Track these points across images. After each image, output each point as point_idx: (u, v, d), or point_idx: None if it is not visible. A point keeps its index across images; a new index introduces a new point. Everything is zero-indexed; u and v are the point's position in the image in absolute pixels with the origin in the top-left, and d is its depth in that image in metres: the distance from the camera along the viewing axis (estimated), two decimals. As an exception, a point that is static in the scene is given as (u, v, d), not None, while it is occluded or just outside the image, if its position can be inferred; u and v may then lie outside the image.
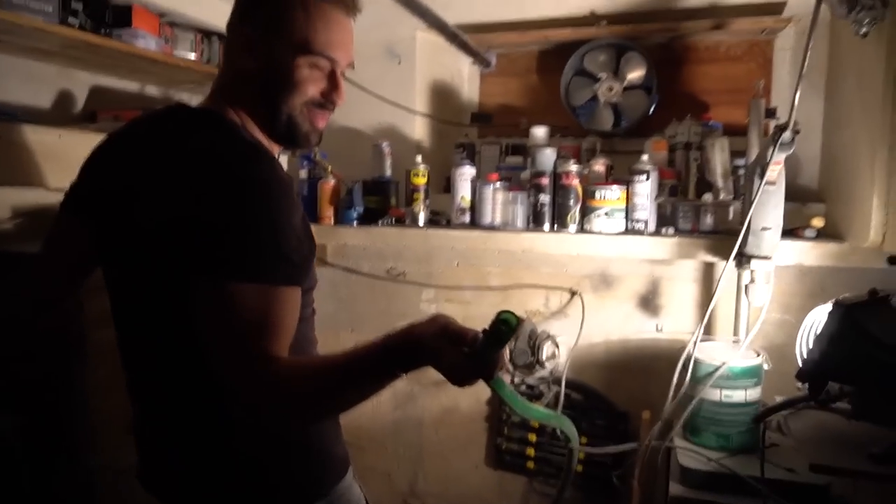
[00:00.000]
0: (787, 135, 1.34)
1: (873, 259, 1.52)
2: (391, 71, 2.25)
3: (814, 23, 1.33)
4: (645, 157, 1.80)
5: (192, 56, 2.08)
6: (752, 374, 1.50)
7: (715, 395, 1.50)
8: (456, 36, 1.93)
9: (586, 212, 1.84)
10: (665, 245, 1.76)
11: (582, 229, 1.86)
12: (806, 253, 1.64)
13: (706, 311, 1.59)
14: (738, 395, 1.49)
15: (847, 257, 1.61)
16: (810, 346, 1.35)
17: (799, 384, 1.27)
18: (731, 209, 1.73)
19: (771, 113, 1.75)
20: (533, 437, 2.03)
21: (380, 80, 2.13)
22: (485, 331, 0.81)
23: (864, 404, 1.26)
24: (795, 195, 1.77)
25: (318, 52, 0.96)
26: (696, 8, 1.95)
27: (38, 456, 1.47)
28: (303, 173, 2.18)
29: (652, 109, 2.05)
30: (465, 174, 2.01)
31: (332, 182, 2.14)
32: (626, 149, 2.10)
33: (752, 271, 1.53)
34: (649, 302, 1.92)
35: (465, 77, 2.39)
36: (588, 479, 1.96)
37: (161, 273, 0.90)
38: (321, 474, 1.05)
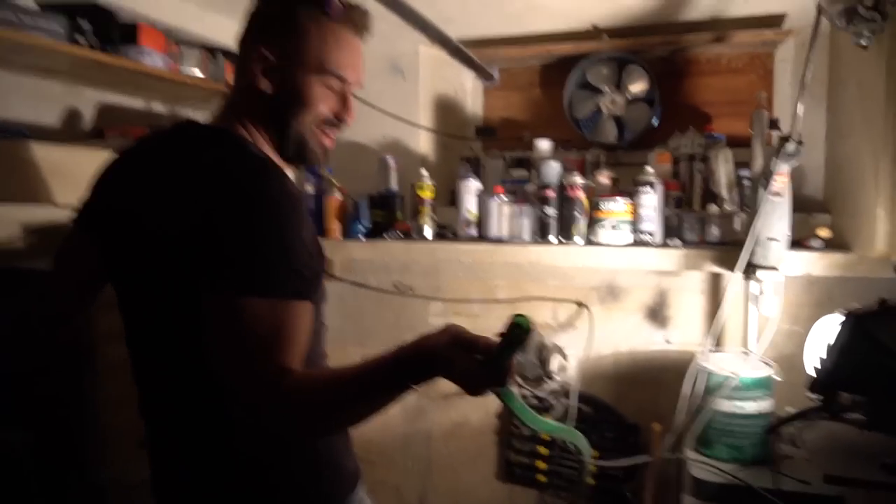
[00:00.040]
0: (790, 146, 1.35)
1: (880, 269, 1.53)
2: (395, 85, 2.26)
3: (814, 35, 1.35)
4: (650, 169, 1.81)
5: (198, 73, 2.09)
6: (764, 385, 1.50)
7: (726, 406, 1.50)
8: (459, 50, 1.95)
9: (592, 224, 1.85)
10: (672, 256, 1.76)
11: (588, 241, 1.87)
12: (813, 263, 1.65)
13: (714, 321, 1.59)
14: (749, 407, 1.49)
15: (854, 267, 1.61)
16: (818, 356, 1.35)
17: (811, 395, 1.27)
18: (737, 220, 1.74)
19: (773, 124, 1.77)
20: (544, 451, 2.02)
21: (384, 95, 2.15)
22: (503, 333, 0.80)
23: (876, 414, 1.26)
24: (800, 205, 1.78)
25: (331, 73, 0.98)
26: (697, 21, 1.97)
27: (50, 470, 1.46)
28: (309, 188, 2.19)
29: (655, 122, 2.06)
30: (471, 188, 2.02)
31: (338, 197, 2.15)
32: (629, 161, 2.11)
33: (760, 282, 1.54)
34: (657, 313, 1.92)
35: (469, 91, 2.41)
36: (600, 493, 1.94)
37: (171, 289, 0.90)
38: (331, 488, 1.05)
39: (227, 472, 0.96)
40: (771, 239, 1.48)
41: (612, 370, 1.99)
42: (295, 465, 0.99)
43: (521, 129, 2.29)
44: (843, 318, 1.21)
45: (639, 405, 1.94)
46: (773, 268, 1.50)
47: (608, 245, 1.83)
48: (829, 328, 1.34)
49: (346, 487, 1.07)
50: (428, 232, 2.06)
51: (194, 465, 0.98)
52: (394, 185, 2.17)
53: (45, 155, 1.53)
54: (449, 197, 2.27)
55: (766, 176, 1.44)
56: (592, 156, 2.09)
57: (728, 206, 1.78)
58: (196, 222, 0.87)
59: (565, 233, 1.88)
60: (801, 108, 1.38)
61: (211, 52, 2.15)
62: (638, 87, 2.05)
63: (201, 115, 2.29)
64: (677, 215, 1.83)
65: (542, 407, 2.00)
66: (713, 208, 1.75)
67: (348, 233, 2.14)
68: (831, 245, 1.70)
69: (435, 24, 1.67)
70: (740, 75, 2.06)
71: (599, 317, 1.98)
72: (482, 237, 2.02)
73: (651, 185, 1.77)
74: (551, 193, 1.88)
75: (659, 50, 2.10)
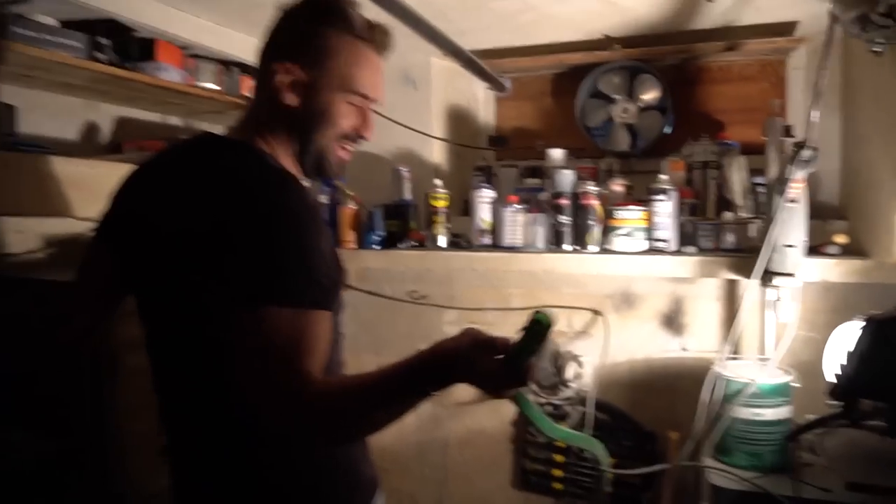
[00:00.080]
0: (806, 153, 1.35)
1: (898, 274, 1.53)
2: (408, 96, 2.28)
3: (828, 43, 1.35)
4: (664, 177, 1.82)
5: (214, 86, 2.12)
6: (782, 391, 1.49)
7: (745, 413, 1.49)
8: (472, 62, 1.97)
9: (607, 232, 1.86)
10: (687, 263, 1.77)
11: (603, 249, 1.87)
12: (830, 269, 1.64)
13: (730, 328, 1.58)
14: (768, 414, 1.48)
15: (871, 273, 1.61)
16: (838, 362, 1.34)
17: (831, 401, 1.27)
18: (753, 227, 1.74)
19: (787, 131, 1.77)
20: (559, 458, 2.01)
21: (397, 106, 2.17)
22: (525, 328, 0.80)
23: (898, 421, 1.25)
24: (816, 212, 1.78)
25: (355, 91, 1.01)
26: (709, 30, 1.98)
27: (71, 479, 1.47)
28: (323, 199, 2.21)
29: (667, 129, 2.07)
30: (485, 197, 2.03)
31: (352, 207, 2.16)
32: (642, 169, 2.12)
33: (778, 288, 1.54)
34: (672, 320, 1.92)
35: (481, 101, 2.43)
36: (617, 501, 1.93)
37: (191, 300, 0.91)
38: (350, 495, 1.05)
39: (245, 480, 0.97)
40: (788, 246, 1.48)
41: (627, 378, 1.99)
42: (313, 473, 0.99)
43: (534, 139, 2.30)
44: (863, 325, 1.21)
45: (655, 413, 1.94)
46: (790, 274, 1.50)
47: (623, 253, 1.83)
48: (849, 334, 1.33)
49: (365, 495, 1.08)
50: (442, 241, 2.07)
51: (214, 473, 0.99)
52: (407, 194, 2.18)
53: (65, 169, 1.55)
54: (462, 206, 2.29)
55: (782, 183, 1.45)
56: (605, 164, 2.09)
57: (743, 213, 1.78)
58: (215, 233, 0.88)
59: (580, 241, 1.89)
60: (816, 115, 1.38)
61: (226, 65, 2.18)
62: (650, 95, 2.06)
63: (217, 128, 2.32)
64: (692, 222, 1.83)
65: (558, 415, 1.99)
66: (728, 215, 1.76)
67: (363, 242, 2.15)
68: (848, 251, 1.69)
69: (448, 37, 1.69)
70: (752, 83, 2.07)
71: (614, 324, 1.98)
72: (496, 246, 2.03)
73: (665, 192, 1.78)
74: (565, 202, 1.89)
75: (671, 58, 2.11)
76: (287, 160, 1.02)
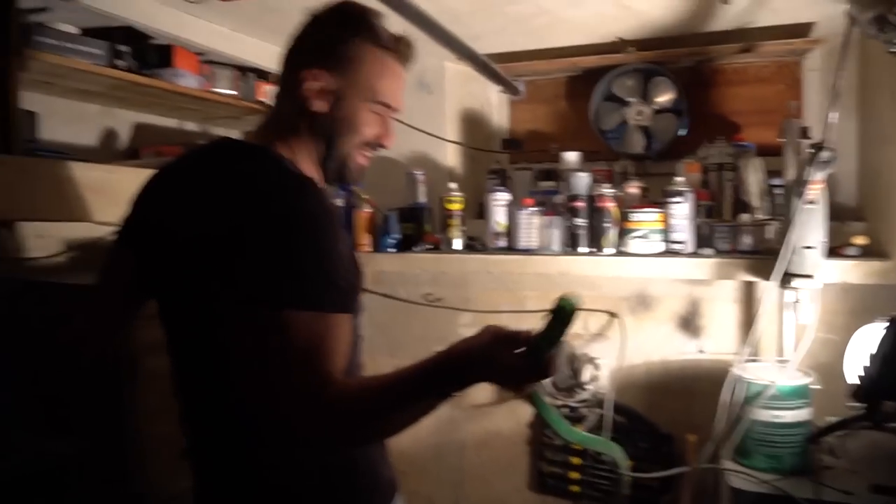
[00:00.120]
0: (825, 154, 1.35)
1: (918, 276, 1.52)
2: (422, 101, 2.29)
3: (846, 44, 1.35)
4: (680, 179, 1.82)
5: (230, 92, 2.14)
6: (802, 393, 1.49)
7: (764, 415, 1.49)
8: (486, 66, 1.97)
9: (623, 234, 1.86)
10: (704, 265, 1.76)
11: (619, 251, 1.87)
12: (849, 271, 1.64)
13: (748, 330, 1.58)
14: (788, 416, 1.48)
15: (890, 275, 1.60)
16: (861, 364, 1.34)
17: (853, 403, 1.26)
18: (770, 228, 1.73)
19: (804, 132, 1.76)
20: (576, 461, 2.01)
21: (411, 110, 2.15)
22: (550, 310, 0.79)
23: (921, 423, 1.24)
24: (834, 213, 1.77)
25: (380, 101, 1.03)
26: (724, 32, 1.97)
27: (92, 481, 1.48)
28: (339, 202, 2.22)
29: (682, 132, 2.07)
30: (500, 200, 2.04)
31: (367, 210, 2.17)
32: (657, 171, 2.11)
33: (797, 290, 1.53)
34: (689, 323, 1.92)
35: (494, 104, 2.43)
36: (634, 504, 1.93)
37: (211, 303, 0.92)
38: (369, 497, 1.05)
39: (265, 483, 0.97)
40: (807, 247, 1.48)
41: (644, 380, 1.98)
42: (333, 475, 1.00)
43: (548, 142, 2.30)
44: (886, 326, 1.21)
45: (672, 415, 1.93)
46: (810, 276, 1.49)
47: (639, 255, 1.83)
48: (871, 336, 1.33)
49: (384, 497, 1.08)
50: (457, 244, 2.08)
51: (234, 476, 1.00)
52: (422, 198, 2.19)
53: (85, 174, 1.56)
54: (477, 209, 2.29)
55: (800, 184, 1.44)
56: (620, 167, 2.09)
57: (759, 215, 1.77)
58: (234, 237, 0.88)
59: (595, 243, 1.89)
60: (834, 116, 1.38)
61: (242, 71, 2.20)
62: (664, 97, 2.06)
63: (233, 133, 2.34)
64: (708, 224, 1.83)
65: (575, 417, 1.99)
66: (745, 217, 1.75)
67: (378, 246, 2.17)
68: (867, 253, 1.69)
69: (463, 41, 1.70)
70: (768, 84, 2.06)
71: (631, 326, 1.97)
72: (511, 248, 2.04)
73: (682, 194, 1.78)
74: (581, 204, 1.90)
75: (685, 60, 2.10)
76: (308, 165, 1.03)
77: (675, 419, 1.92)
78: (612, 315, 2.00)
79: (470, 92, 2.37)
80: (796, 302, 1.56)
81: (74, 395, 1.46)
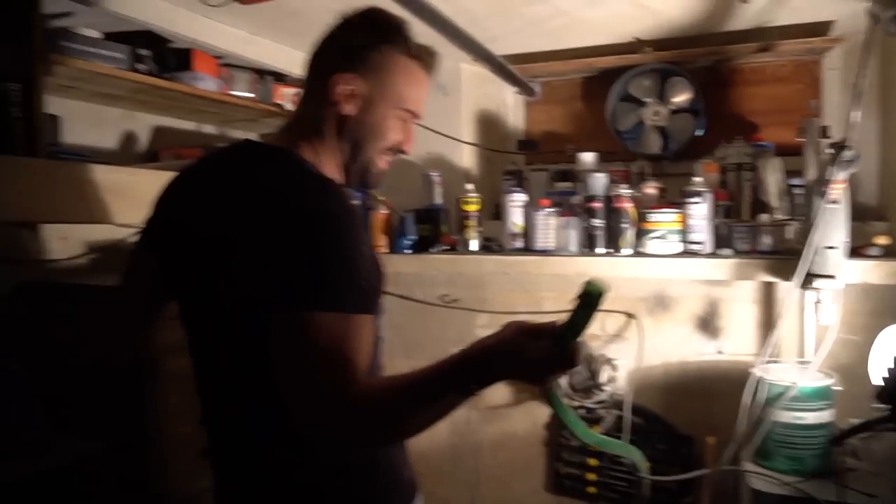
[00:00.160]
0: (849, 153, 1.34)
1: (941, 276, 1.50)
2: (438, 102, 2.30)
3: (868, 42, 1.34)
4: (698, 179, 1.81)
5: (249, 95, 2.16)
6: (824, 395, 1.48)
7: (786, 417, 1.48)
8: (503, 67, 1.98)
9: (640, 234, 1.86)
10: (723, 266, 1.75)
11: (636, 252, 1.87)
12: (870, 271, 1.62)
13: (768, 331, 1.57)
14: (810, 417, 1.47)
15: (913, 275, 1.59)
16: (885, 365, 1.33)
17: (878, 405, 1.25)
18: (790, 229, 1.72)
19: (824, 132, 1.75)
20: (594, 462, 2.01)
21: (427, 112, 2.17)
22: (577, 296, 0.78)
23: (947, 425, 1.23)
24: (855, 213, 1.76)
25: (407, 108, 1.04)
26: (743, 31, 1.96)
27: (114, 481, 1.50)
28: (356, 204, 2.23)
29: (699, 132, 2.06)
30: (517, 200, 2.04)
31: (383, 212, 2.18)
32: (674, 171, 2.11)
33: (818, 290, 1.52)
34: (708, 323, 1.91)
35: (510, 106, 2.44)
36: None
37: (234, 304, 0.92)
38: (389, 498, 1.06)
39: (286, 483, 0.98)
40: (829, 247, 1.47)
41: (662, 381, 1.97)
42: (353, 476, 1.00)
43: (564, 142, 2.31)
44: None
45: (690, 416, 1.92)
46: (832, 276, 1.48)
47: (657, 255, 1.83)
48: (895, 337, 1.32)
49: (404, 497, 1.08)
50: (474, 245, 2.08)
51: (255, 475, 1.00)
52: (438, 199, 2.20)
53: (106, 177, 1.58)
54: (493, 210, 2.29)
55: (822, 184, 1.43)
56: (637, 167, 2.09)
57: (778, 215, 1.76)
58: (257, 238, 0.89)
59: (613, 244, 1.89)
60: (856, 116, 1.36)
61: (260, 74, 2.21)
62: (681, 97, 2.05)
63: (250, 136, 2.36)
64: (727, 225, 1.82)
65: (592, 418, 1.99)
66: (765, 217, 1.74)
67: (394, 247, 2.17)
68: (889, 253, 1.67)
69: (481, 43, 1.70)
70: (786, 84, 2.05)
71: (649, 327, 1.97)
72: (528, 249, 2.04)
73: (700, 195, 1.77)
74: (598, 205, 1.89)
75: (702, 60, 2.10)
76: (331, 168, 1.04)
77: (693, 420, 1.91)
78: (630, 316, 1.99)
79: (486, 93, 2.38)
80: (818, 302, 1.55)
81: (97, 396, 1.48)
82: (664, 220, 1.82)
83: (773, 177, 1.76)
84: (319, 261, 0.85)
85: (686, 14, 1.85)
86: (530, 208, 2.03)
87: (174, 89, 1.85)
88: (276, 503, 0.99)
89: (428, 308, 2.26)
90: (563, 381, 1.96)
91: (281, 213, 0.89)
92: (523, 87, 2.23)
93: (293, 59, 2.19)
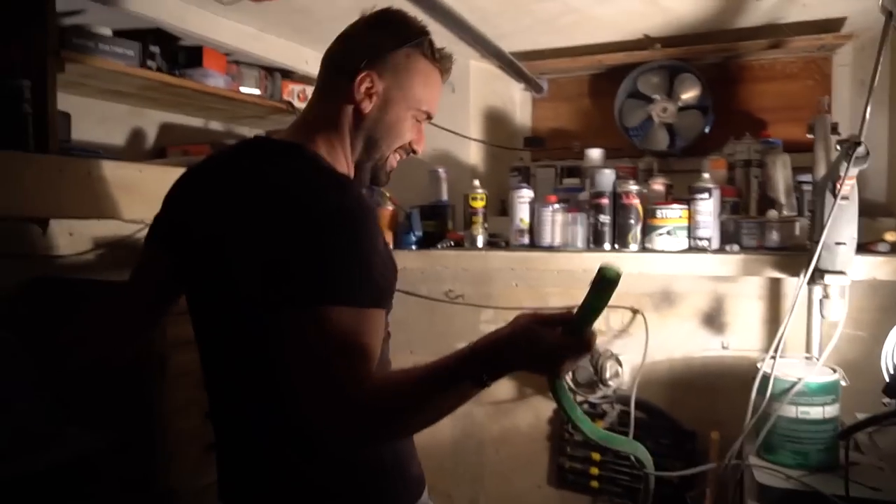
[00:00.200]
0: (861, 149, 1.34)
1: (949, 272, 1.51)
2: (446, 99, 2.28)
3: (883, 39, 1.34)
4: (707, 176, 1.82)
5: (257, 91, 2.16)
6: (830, 390, 1.48)
7: (791, 412, 1.48)
8: (512, 64, 1.98)
9: (647, 231, 1.86)
10: (730, 262, 1.76)
11: (643, 248, 1.87)
12: (879, 267, 1.62)
13: (775, 327, 1.57)
14: (815, 412, 1.47)
15: (921, 271, 1.59)
16: (893, 360, 1.33)
17: (887, 399, 1.26)
18: (798, 225, 1.73)
19: (833, 128, 1.75)
20: (597, 456, 2.02)
21: (435, 108, 2.19)
22: (592, 283, 0.78)
23: (954, 420, 1.23)
24: (863, 209, 1.76)
25: (423, 109, 1.06)
26: (753, 28, 1.96)
27: (121, 475, 1.51)
28: (363, 200, 2.24)
29: (708, 129, 2.06)
30: (524, 197, 2.05)
31: (389, 208, 2.19)
32: (682, 168, 2.11)
33: (826, 286, 1.52)
34: (713, 319, 1.91)
35: (517, 102, 2.44)
36: (657, 500, 1.93)
37: (246, 299, 0.92)
38: (398, 494, 1.06)
39: (293, 478, 0.98)
40: (839, 243, 1.47)
41: (666, 376, 1.98)
42: (362, 471, 1.00)
43: (571, 139, 2.31)
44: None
45: (694, 411, 1.93)
46: (842, 272, 1.48)
47: (663, 251, 1.83)
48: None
49: (413, 493, 1.09)
50: (480, 241, 2.09)
51: (261, 470, 1.00)
52: (444, 195, 2.20)
53: (115, 172, 1.59)
54: (499, 206, 2.30)
55: (833, 180, 1.43)
56: (645, 163, 2.09)
57: (786, 212, 1.77)
58: (271, 233, 0.89)
59: (620, 240, 1.89)
60: (869, 112, 1.36)
61: (268, 71, 2.22)
62: (690, 94, 2.05)
63: (258, 132, 2.36)
64: (734, 221, 1.82)
65: (596, 413, 2.00)
66: (773, 213, 1.74)
67: (400, 243, 2.18)
68: (898, 249, 1.68)
69: (491, 41, 1.71)
70: (796, 80, 2.05)
71: (654, 323, 1.97)
72: (534, 245, 2.04)
73: (708, 191, 1.77)
74: (605, 201, 1.90)
75: (711, 57, 2.10)
76: (343, 165, 1.04)
77: (697, 416, 1.91)
78: (636, 312, 2.00)
79: (493, 90, 2.38)
80: (825, 298, 1.55)
81: (103, 391, 1.49)
82: (671, 216, 1.82)
83: (781, 173, 1.77)
84: (335, 255, 0.86)
85: (697, 11, 1.85)
86: (537, 204, 2.03)
87: (184, 86, 1.86)
88: (282, 498, 0.99)
89: (433, 304, 2.26)
90: (567, 376, 1.97)
91: (296, 208, 0.89)
92: (531, 83, 2.24)
93: (301, 56, 2.20)
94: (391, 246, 2.17)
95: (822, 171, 1.56)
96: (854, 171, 1.38)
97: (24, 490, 1.21)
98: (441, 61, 1.08)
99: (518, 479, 2.18)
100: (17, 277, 1.60)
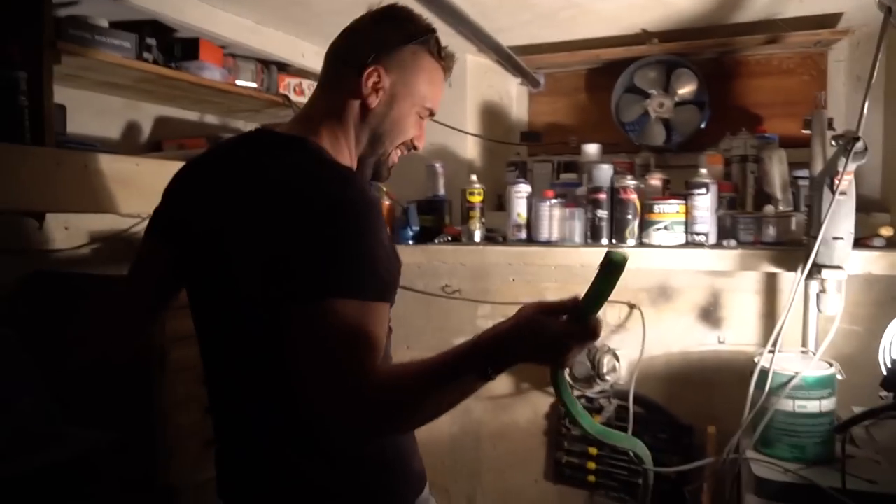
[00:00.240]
0: (860, 144, 1.35)
1: (944, 267, 1.52)
2: (443, 93, 2.29)
3: (882, 35, 1.35)
4: (703, 171, 1.82)
5: (253, 85, 2.15)
6: (827, 384, 1.49)
7: (788, 405, 1.49)
8: (510, 58, 1.98)
9: (645, 226, 1.87)
10: (727, 257, 1.77)
11: (640, 243, 1.88)
12: (874, 262, 1.64)
13: (771, 321, 1.58)
14: (812, 406, 1.48)
15: (916, 266, 1.60)
16: (890, 354, 1.34)
17: (884, 393, 1.27)
18: (794, 220, 1.74)
19: (829, 124, 1.76)
20: (594, 451, 2.03)
21: (433, 103, 2.18)
22: (600, 267, 0.77)
23: (950, 413, 1.25)
24: (858, 205, 1.77)
25: (427, 106, 1.07)
26: (750, 23, 1.97)
27: (121, 471, 1.51)
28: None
29: (704, 124, 2.07)
30: (521, 191, 2.05)
31: (386, 202, 2.19)
32: (678, 163, 2.12)
33: (822, 280, 1.53)
34: (710, 314, 1.92)
35: (514, 97, 2.44)
36: (657, 495, 1.94)
37: (249, 293, 0.91)
38: (399, 489, 1.06)
39: (294, 473, 0.98)
40: (836, 238, 1.48)
41: (663, 371, 1.99)
42: (364, 467, 1.00)
43: (566, 134, 2.31)
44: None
45: (691, 406, 1.94)
46: (839, 267, 1.50)
47: (661, 246, 1.84)
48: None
49: (414, 489, 1.08)
50: (478, 236, 2.09)
51: (262, 466, 1.00)
52: (441, 190, 2.20)
53: (112, 166, 1.58)
54: (496, 201, 2.30)
55: (831, 175, 1.44)
56: (642, 159, 2.10)
57: (782, 207, 1.78)
58: (276, 226, 0.88)
59: (618, 235, 1.90)
60: (866, 107, 1.37)
61: (265, 64, 2.21)
62: (687, 89, 2.06)
63: (253, 126, 2.35)
64: (731, 216, 1.83)
65: (593, 408, 2.01)
66: (769, 209, 1.76)
67: (397, 238, 2.18)
68: (892, 244, 1.69)
69: (491, 35, 1.70)
70: (792, 76, 2.06)
71: (651, 317, 1.98)
72: (532, 240, 2.05)
73: (706, 186, 1.78)
74: (603, 196, 1.90)
75: (708, 52, 2.11)
76: (346, 158, 1.03)
77: (694, 410, 1.93)
78: (633, 306, 2.01)
79: (490, 84, 2.38)
80: (822, 293, 1.56)
81: (103, 387, 1.48)
82: (669, 211, 1.83)
83: (777, 168, 1.77)
84: (339, 248, 0.85)
85: (696, 5, 1.85)
86: (534, 199, 2.04)
87: (181, 79, 1.84)
88: (282, 496, 0.99)
89: (430, 299, 2.26)
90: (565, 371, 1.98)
91: (300, 201, 0.88)
92: (528, 78, 2.24)
93: (298, 49, 2.19)
94: (388, 241, 2.17)
95: (819, 166, 1.57)
96: (852, 166, 1.39)
97: (24, 489, 1.20)
98: (445, 59, 1.09)
99: (515, 474, 2.19)
100: (14, 272, 1.59)
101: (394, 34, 1.03)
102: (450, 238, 2.13)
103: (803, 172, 1.82)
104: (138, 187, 1.61)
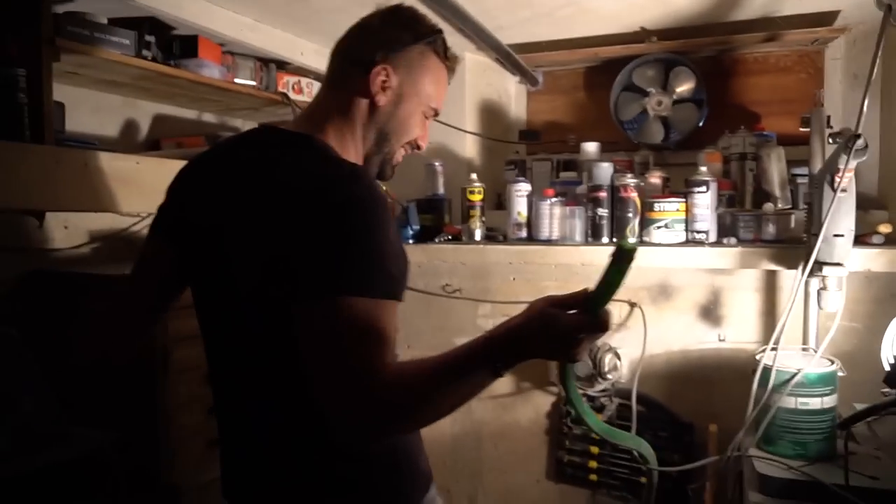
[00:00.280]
0: (860, 142, 1.36)
1: (943, 264, 1.53)
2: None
3: (881, 33, 1.36)
4: (703, 169, 1.83)
5: (252, 83, 2.14)
6: (829, 380, 1.50)
7: (791, 402, 1.50)
8: (509, 56, 1.98)
9: (645, 224, 1.87)
10: (727, 255, 1.77)
11: (641, 241, 1.88)
12: (874, 259, 1.65)
13: (771, 319, 1.59)
14: (814, 403, 1.49)
15: (915, 262, 1.61)
16: (893, 350, 1.35)
17: (887, 389, 1.27)
18: (793, 218, 1.75)
19: (827, 121, 1.77)
20: (595, 450, 2.03)
21: (431, 102, 2.18)
22: (611, 255, 0.77)
23: (952, 408, 1.25)
24: (856, 202, 1.79)
25: (432, 106, 1.08)
26: (748, 21, 1.97)
27: (123, 471, 1.50)
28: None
29: (702, 122, 2.08)
30: (521, 190, 2.05)
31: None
32: (676, 161, 2.13)
33: (824, 278, 1.54)
34: (710, 312, 1.93)
35: (513, 95, 2.44)
36: (658, 493, 1.94)
37: (257, 291, 0.91)
38: (406, 488, 1.05)
39: (300, 472, 0.97)
40: (837, 235, 1.49)
41: (664, 369, 1.99)
42: (371, 466, 0.99)
43: (565, 132, 2.32)
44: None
45: (692, 404, 1.95)
46: (839, 264, 1.50)
47: (661, 245, 1.84)
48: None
49: (421, 488, 1.08)
50: (478, 235, 2.09)
51: (267, 465, 1.00)
52: (441, 189, 2.20)
53: (111, 164, 1.56)
54: (495, 200, 2.30)
55: (832, 173, 1.45)
56: (641, 157, 2.10)
57: (781, 204, 1.78)
58: (284, 224, 0.87)
59: (619, 233, 1.90)
60: (865, 105, 1.38)
61: (264, 62, 2.19)
62: (685, 87, 2.07)
63: (249, 124, 2.34)
64: (731, 214, 1.84)
65: (594, 407, 2.01)
66: (769, 206, 1.76)
67: (397, 237, 2.17)
68: (890, 241, 1.70)
69: (491, 33, 1.70)
70: (790, 73, 2.07)
71: (651, 316, 1.98)
72: (532, 239, 2.05)
73: (706, 184, 1.79)
74: (603, 194, 1.91)
75: (706, 50, 2.11)
76: (352, 156, 1.03)
77: (695, 408, 1.93)
78: (633, 305, 2.01)
79: (489, 83, 2.37)
80: (822, 290, 1.57)
81: (106, 386, 1.47)
82: (669, 209, 1.83)
83: (776, 166, 1.78)
84: (349, 245, 0.84)
85: (694, 3, 1.85)
86: (534, 198, 2.04)
87: (180, 76, 1.83)
88: (287, 495, 0.99)
89: (430, 298, 2.26)
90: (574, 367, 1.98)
91: (307, 199, 0.88)
92: (527, 76, 2.24)
93: (297, 47, 2.18)
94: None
95: (818, 164, 1.58)
96: (853, 163, 1.40)
97: (27, 489, 1.19)
98: (451, 61, 1.10)
99: (517, 474, 2.19)
100: (12, 270, 1.57)
101: (402, 34, 1.04)
102: (450, 237, 2.13)
103: (801, 170, 1.83)
104: (138, 186, 1.60)
